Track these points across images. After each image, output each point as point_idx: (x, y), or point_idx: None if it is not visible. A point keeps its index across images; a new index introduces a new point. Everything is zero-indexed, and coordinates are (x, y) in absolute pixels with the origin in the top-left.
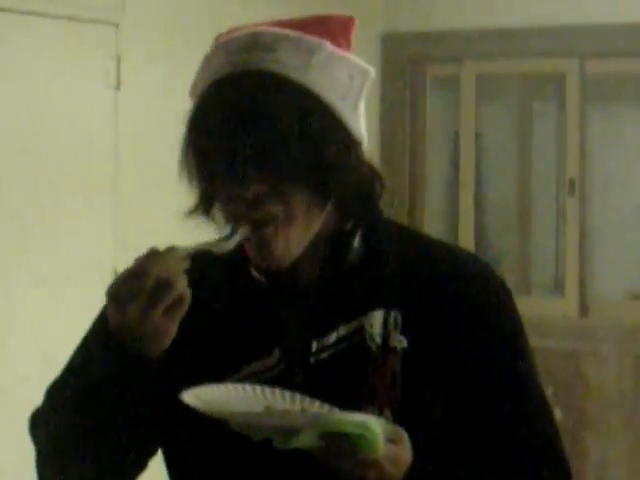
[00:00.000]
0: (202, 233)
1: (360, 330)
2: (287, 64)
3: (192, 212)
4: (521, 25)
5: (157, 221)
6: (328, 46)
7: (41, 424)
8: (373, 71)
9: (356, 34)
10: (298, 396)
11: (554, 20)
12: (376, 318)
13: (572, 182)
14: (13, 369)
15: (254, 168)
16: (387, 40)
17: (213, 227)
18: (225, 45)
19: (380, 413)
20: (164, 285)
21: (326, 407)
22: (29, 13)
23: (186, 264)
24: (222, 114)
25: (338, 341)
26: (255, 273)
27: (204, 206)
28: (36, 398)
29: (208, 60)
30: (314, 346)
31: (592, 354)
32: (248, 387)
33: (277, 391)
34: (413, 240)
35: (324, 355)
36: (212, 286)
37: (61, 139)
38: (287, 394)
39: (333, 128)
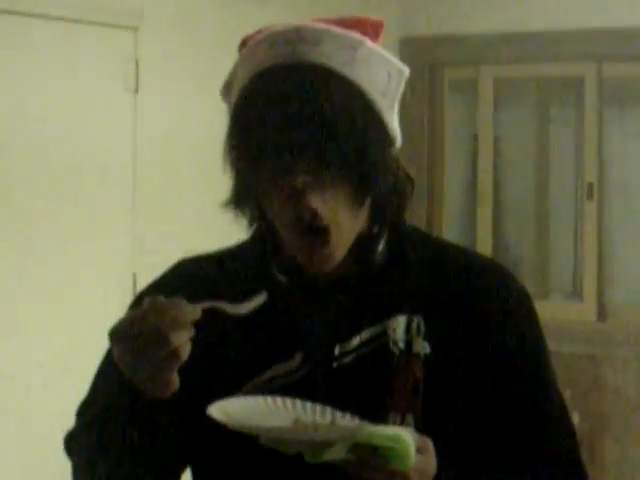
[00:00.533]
0: (220, 238)
1: (383, 335)
2: (332, 58)
3: (228, 203)
4: (538, 29)
5: (175, 225)
6: (369, 43)
7: (74, 445)
8: (408, 71)
9: None
10: (327, 408)
11: (572, 24)
12: (399, 323)
13: (590, 186)
14: (31, 374)
15: (303, 158)
16: (405, 44)
17: (231, 233)
18: (268, 39)
19: (402, 418)
20: (158, 337)
21: (354, 419)
22: (49, 17)
23: (195, 316)
24: (273, 104)
25: (361, 345)
26: (278, 274)
27: (242, 198)
28: (54, 403)
29: (248, 55)
30: (337, 350)
31: (610, 358)
32: (275, 399)
33: (304, 403)
34: (435, 246)
35: (347, 359)
36: (234, 287)
37: (80, 142)
38: (315, 406)
39: (375, 124)
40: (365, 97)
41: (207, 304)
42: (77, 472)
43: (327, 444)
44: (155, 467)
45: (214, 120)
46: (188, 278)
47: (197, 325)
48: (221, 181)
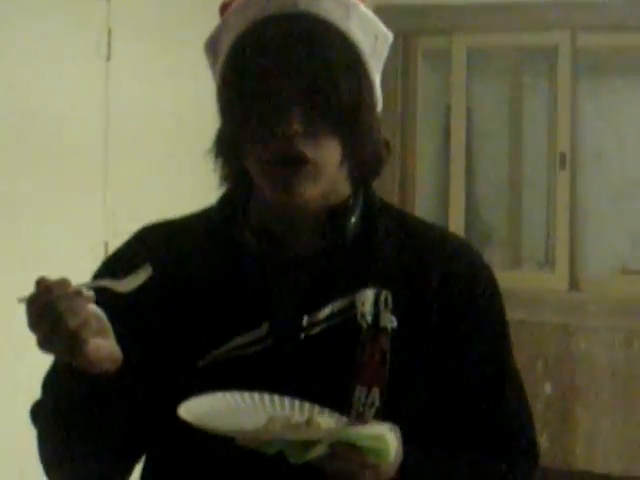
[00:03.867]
0: (191, 207)
1: (351, 307)
2: (331, 11)
3: (210, 151)
4: None
5: (147, 193)
6: (362, 6)
7: (40, 416)
8: (392, 37)
9: None
10: (304, 404)
11: None
12: (367, 296)
13: (563, 156)
14: (6, 346)
15: (299, 105)
16: (378, 13)
17: (202, 201)
18: None
19: (368, 391)
20: (53, 318)
21: (333, 414)
22: None
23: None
24: (273, 48)
25: (329, 317)
26: (248, 239)
27: (227, 145)
28: (29, 372)
29: (241, 5)
30: (305, 321)
31: (582, 328)
32: (246, 395)
33: (280, 398)
34: (404, 221)
35: (314, 330)
36: (200, 252)
37: (51, 110)
38: (290, 401)
39: (367, 82)
40: (360, 53)
41: (91, 283)
42: (44, 447)
43: (310, 443)
44: (111, 443)
45: (186, 88)
46: (152, 244)
47: (163, 292)
48: (193, 148)
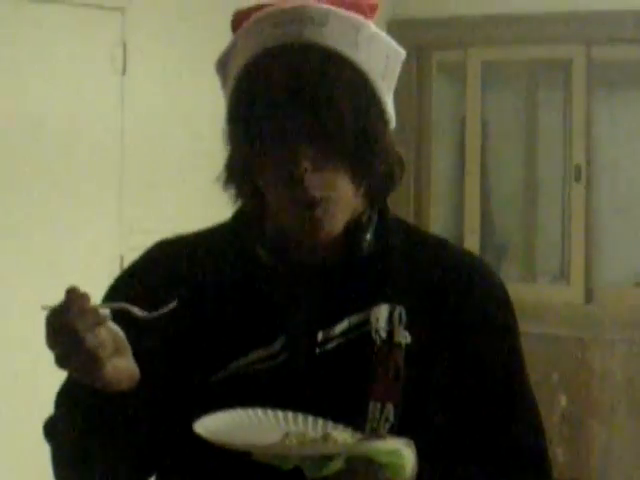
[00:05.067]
0: (208, 219)
1: (366, 323)
2: (338, 39)
3: (221, 177)
4: (527, 11)
5: (162, 206)
6: (372, 25)
7: (54, 432)
8: (404, 53)
9: None
10: (317, 420)
11: (561, 6)
12: (382, 312)
13: (578, 169)
14: (18, 358)
15: (307, 141)
16: (393, 26)
17: (219, 213)
18: (272, 17)
19: (383, 407)
20: (71, 336)
21: (347, 429)
22: (37, 0)
23: (101, 320)
24: (280, 84)
25: (344, 333)
26: (263, 254)
27: (237, 173)
28: (40, 387)
29: (251, 30)
30: (320, 336)
31: (597, 341)
32: (262, 412)
33: (294, 415)
34: (418, 238)
35: (329, 346)
36: (216, 268)
37: (68, 124)
38: (304, 417)
39: (376, 107)
40: (368, 81)
41: (116, 305)
42: (58, 463)
43: (327, 458)
44: (127, 459)
45: (201, 101)
46: (166, 260)
47: (178, 307)
48: (208, 162)
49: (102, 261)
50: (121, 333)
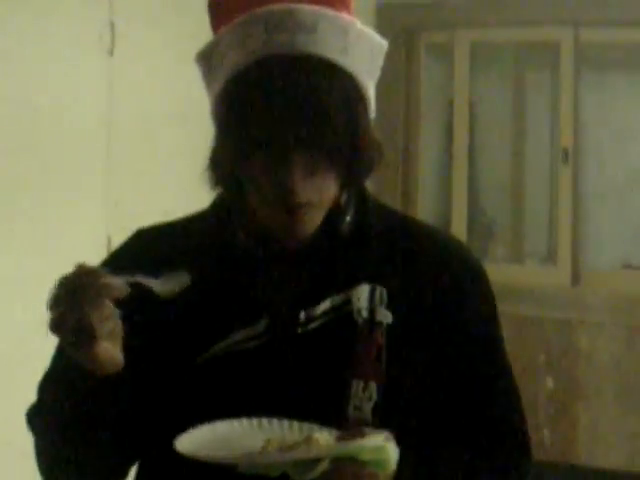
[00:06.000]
0: (194, 201)
1: (347, 303)
2: (328, 46)
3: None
4: None
5: (150, 187)
6: (358, 24)
7: (37, 420)
8: (387, 44)
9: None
10: (303, 424)
11: None
12: (363, 292)
13: (566, 151)
14: (5, 338)
15: (298, 152)
16: (381, 8)
17: (206, 195)
18: (262, 21)
19: (365, 385)
20: (74, 311)
21: (331, 431)
22: None
23: (121, 293)
24: (271, 96)
25: (326, 313)
26: (245, 239)
27: (224, 171)
28: (30, 365)
29: (238, 31)
30: (302, 316)
31: (584, 323)
32: (240, 422)
33: (279, 421)
34: (397, 219)
35: (312, 326)
36: (197, 253)
37: (53, 105)
38: (288, 423)
39: (363, 107)
40: (357, 83)
41: (132, 278)
42: (41, 450)
43: (313, 461)
44: (112, 443)
45: (189, 82)
46: (147, 248)
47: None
48: (196, 144)
49: (89, 242)
50: (119, 319)
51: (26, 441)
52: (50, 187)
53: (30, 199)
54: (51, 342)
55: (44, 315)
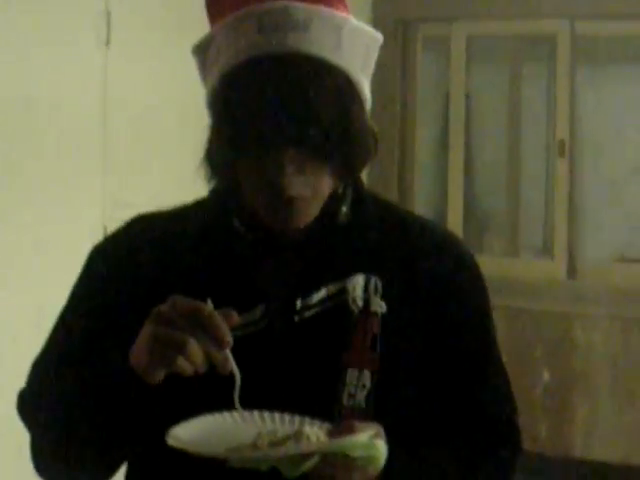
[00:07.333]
0: (191, 192)
1: (343, 292)
2: (322, 45)
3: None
4: None
5: (146, 178)
6: (353, 20)
7: (30, 406)
8: (382, 38)
9: None
10: (294, 417)
11: None
12: (358, 282)
13: (562, 144)
14: (2, 329)
15: (292, 150)
16: (378, 1)
17: (202, 186)
18: (256, 18)
19: (360, 374)
20: (182, 346)
21: (323, 424)
22: None
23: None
24: (265, 94)
25: (321, 301)
26: (241, 228)
27: (219, 165)
28: (25, 357)
29: (232, 26)
30: (298, 304)
31: (580, 316)
32: (232, 415)
33: (271, 414)
34: (391, 211)
35: (307, 314)
36: (194, 240)
37: (51, 95)
38: (280, 416)
39: (358, 102)
40: (351, 80)
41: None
42: (39, 432)
43: (303, 456)
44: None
45: (186, 73)
46: (146, 233)
47: (157, 279)
48: (192, 135)
49: (85, 233)
50: None
51: (18, 437)
52: (45, 178)
53: (25, 191)
54: (42, 336)
55: (38, 308)
